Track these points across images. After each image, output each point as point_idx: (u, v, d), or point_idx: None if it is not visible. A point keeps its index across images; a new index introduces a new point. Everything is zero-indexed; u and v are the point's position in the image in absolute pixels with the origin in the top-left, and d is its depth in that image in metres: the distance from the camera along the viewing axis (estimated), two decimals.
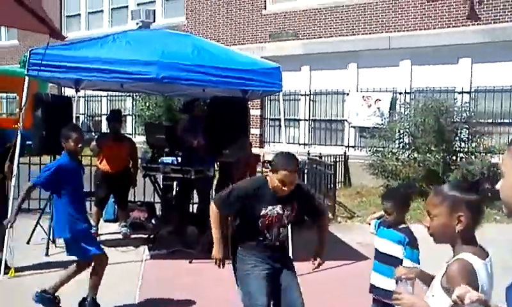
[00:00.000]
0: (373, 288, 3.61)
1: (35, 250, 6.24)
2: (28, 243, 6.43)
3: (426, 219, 2.12)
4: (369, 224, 3.91)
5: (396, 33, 13.04)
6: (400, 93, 13.09)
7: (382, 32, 13.30)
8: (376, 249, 3.64)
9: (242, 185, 3.59)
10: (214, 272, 5.76)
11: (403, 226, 3.55)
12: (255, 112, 14.75)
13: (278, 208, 3.41)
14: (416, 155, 10.81)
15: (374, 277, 3.60)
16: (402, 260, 3.38)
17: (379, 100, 13.32)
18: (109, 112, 7.63)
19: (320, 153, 12.53)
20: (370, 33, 13.54)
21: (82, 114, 21.06)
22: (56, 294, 4.37)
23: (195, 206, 7.55)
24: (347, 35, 14.00)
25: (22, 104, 5.68)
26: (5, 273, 5.27)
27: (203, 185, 7.21)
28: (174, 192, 7.41)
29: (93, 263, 4.36)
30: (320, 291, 5.34)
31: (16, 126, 5.53)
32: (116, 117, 7.20)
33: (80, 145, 4.33)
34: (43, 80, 7.57)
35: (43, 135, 6.13)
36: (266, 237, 3.44)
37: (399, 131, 11.34)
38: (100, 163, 6.96)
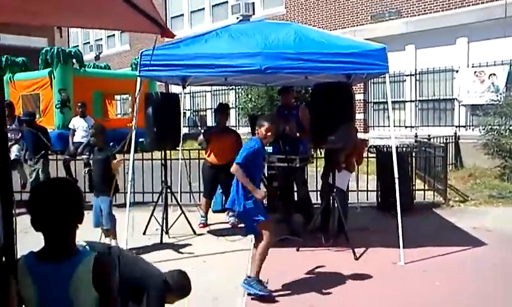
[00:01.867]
0: None
1: (150, 240, 6.61)
2: (144, 234, 6.83)
3: None
4: None
5: None
6: None
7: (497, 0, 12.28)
8: None
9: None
10: (321, 258, 5.79)
11: None
12: (358, 96, 14.41)
13: None
14: None
15: None
16: None
17: (494, 75, 12.36)
18: (216, 106, 7.85)
19: (429, 135, 11.95)
20: (481, 2, 12.57)
21: (188, 109, 22.00)
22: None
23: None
24: (455, 8, 13.13)
25: (135, 104, 6.03)
26: None
27: (301, 172, 7.20)
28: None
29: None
30: (435, 279, 5.11)
31: (129, 125, 5.88)
32: (221, 110, 7.40)
33: (270, 133, 4.77)
34: (153, 79, 7.99)
35: (155, 132, 6.45)
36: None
37: None
38: (208, 156, 7.20)
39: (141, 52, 5.95)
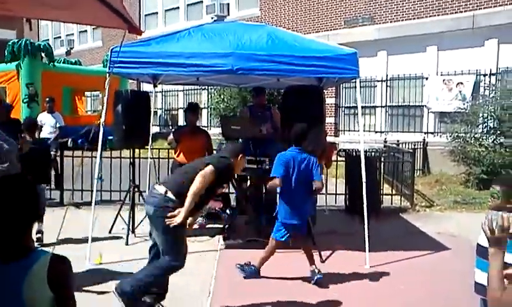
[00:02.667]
0: (477, 285, 3.17)
1: (116, 239, 6.52)
2: (110, 232, 6.73)
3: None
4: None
5: (481, 10, 12.27)
6: (484, 75, 12.35)
7: (465, 11, 12.58)
8: (478, 243, 3.26)
9: (228, 162, 4.25)
10: (289, 260, 5.81)
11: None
12: (329, 100, 14.55)
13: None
14: (502, 140, 10.19)
15: (477, 274, 3.17)
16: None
17: (461, 84, 12.67)
18: (186, 105, 7.80)
19: (398, 141, 12.17)
20: (451, 13, 12.86)
21: (160, 108, 21.80)
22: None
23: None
24: (425, 17, 13.39)
25: (104, 101, 5.94)
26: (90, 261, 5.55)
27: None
28: (248, 183, 7.46)
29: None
30: (399, 282, 5.18)
31: (98, 122, 5.78)
32: (191, 110, 7.35)
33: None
34: (123, 76, 7.88)
35: (124, 129, 6.36)
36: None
37: (482, 115, 10.73)
38: (178, 156, 7.14)
39: (111, 49, 5.85)
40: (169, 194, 3.89)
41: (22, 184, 1.88)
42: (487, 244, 3.03)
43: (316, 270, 5.10)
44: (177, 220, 3.75)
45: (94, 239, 5.71)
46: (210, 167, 3.89)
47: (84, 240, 5.63)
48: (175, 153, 7.25)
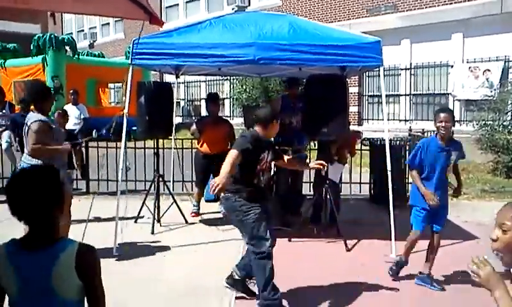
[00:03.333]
0: None
1: (142, 228, 6.60)
2: (136, 222, 6.81)
3: (494, 231, 1.91)
4: None
5: None
6: None
7: None
8: None
9: (252, 133, 4.22)
10: (313, 249, 5.80)
11: None
12: (353, 89, 14.40)
13: (266, 153, 4.23)
14: None
15: None
16: None
17: (488, 71, 12.39)
18: (206, 96, 7.80)
19: (423, 129, 11.96)
20: None
21: (183, 99, 21.92)
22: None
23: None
24: (451, 3, 13.12)
25: (127, 92, 5.98)
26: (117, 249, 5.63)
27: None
28: (272, 172, 7.46)
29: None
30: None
31: (121, 113, 5.82)
32: (212, 100, 7.36)
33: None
34: (145, 67, 7.93)
35: (147, 120, 6.41)
36: (260, 179, 4.22)
37: (511, 102, 10.47)
38: (201, 146, 7.17)
39: (133, 40, 5.88)
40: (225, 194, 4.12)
41: (46, 174, 1.91)
42: None
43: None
44: (217, 181, 3.83)
45: (120, 228, 5.78)
46: (231, 152, 4.02)
47: (111, 229, 5.69)
48: (198, 143, 7.29)
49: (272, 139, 6.05)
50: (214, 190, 3.78)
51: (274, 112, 4.38)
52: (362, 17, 15.26)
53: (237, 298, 4.45)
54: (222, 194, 4.11)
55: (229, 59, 5.80)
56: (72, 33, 27.61)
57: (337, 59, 5.80)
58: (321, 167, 4.66)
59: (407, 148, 9.01)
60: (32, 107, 5.04)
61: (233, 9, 17.99)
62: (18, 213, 1.83)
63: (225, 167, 3.90)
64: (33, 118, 4.83)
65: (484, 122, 10.58)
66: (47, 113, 5.03)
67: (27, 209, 1.83)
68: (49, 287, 1.81)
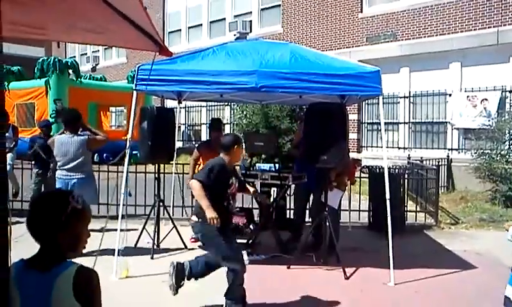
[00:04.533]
0: (508, 301, 3.24)
1: (142, 254, 6.60)
2: (135, 246, 6.83)
3: None
4: (507, 230, 3.55)
5: (505, 27, 12.18)
6: (510, 91, 12.23)
7: (490, 27, 12.49)
8: None
9: (216, 162, 4.52)
10: (312, 277, 5.81)
11: None
12: (352, 116, 14.53)
13: (233, 179, 4.63)
14: None
15: (508, 290, 3.24)
16: None
17: (486, 100, 12.54)
18: (209, 122, 7.89)
19: (422, 157, 12.06)
20: (475, 29, 12.78)
21: (183, 124, 22.05)
22: None
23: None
24: (449, 33, 13.34)
25: (131, 117, 6.07)
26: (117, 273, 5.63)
27: (299, 190, 7.27)
28: (272, 199, 7.50)
29: None
30: (424, 301, 5.13)
31: (124, 137, 5.90)
32: (215, 125, 7.44)
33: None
34: (149, 93, 8.03)
35: (149, 145, 6.48)
36: (230, 203, 4.55)
37: (509, 131, 10.58)
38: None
39: (138, 66, 5.99)
40: (195, 218, 4.54)
41: (55, 199, 1.98)
42: None
43: None
44: (210, 217, 4.25)
45: (120, 253, 5.80)
46: (193, 184, 4.38)
47: (111, 253, 5.71)
48: (198, 167, 7.31)
49: (273, 166, 6.28)
50: (215, 223, 4.22)
51: (236, 139, 4.70)
52: (362, 45, 15.48)
53: None
54: (194, 219, 4.49)
55: (231, 87, 5.91)
56: (75, 56, 27.89)
57: (337, 87, 5.90)
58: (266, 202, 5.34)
59: (406, 176, 9.08)
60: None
61: (234, 35, 18.24)
62: (30, 232, 1.92)
63: (203, 202, 4.28)
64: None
65: (482, 151, 10.66)
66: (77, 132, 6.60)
67: (33, 229, 1.92)
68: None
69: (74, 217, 1.93)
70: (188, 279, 4.68)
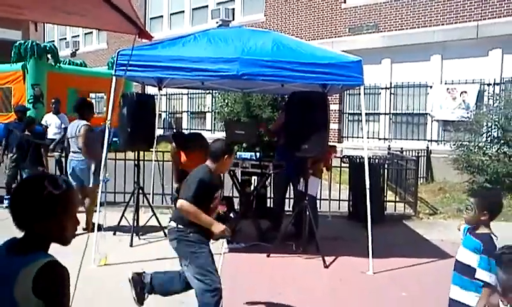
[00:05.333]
0: (452, 302, 3.24)
1: (120, 241, 6.55)
2: (114, 234, 6.77)
3: None
4: (459, 229, 3.56)
5: (485, 21, 12.31)
6: (488, 85, 12.39)
7: (470, 21, 12.61)
8: (456, 259, 3.29)
9: (203, 176, 3.88)
10: (291, 265, 5.84)
11: (483, 231, 3.12)
12: (333, 106, 14.58)
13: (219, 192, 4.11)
14: (506, 149, 10.20)
15: (453, 290, 3.24)
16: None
17: (465, 93, 12.69)
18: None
19: (402, 148, 12.19)
20: (456, 22, 12.89)
21: (164, 111, 21.86)
22: None
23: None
24: (430, 26, 13.43)
25: (110, 103, 5.97)
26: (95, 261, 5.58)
27: (279, 179, 7.28)
28: (252, 187, 7.50)
29: None
30: (401, 289, 5.20)
31: (103, 123, 5.81)
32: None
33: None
34: (129, 79, 7.93)
35: (129, 132, 6.40)
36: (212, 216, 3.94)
37: (486, 124, 10.75)
38: (182, 161, 7.16)
39: (118, 51, 5.89)
40: (173, 224, 3.90)
41: (27, 184, 1.91)
42: (468, 261, 3.08)
43: None
44: (218, 231, 3.80)
45: (98, 240, 5.74)
46: (185, 205, 3.73)
47: (90, 240, 5.64)
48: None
49: (254, 155, 6.11)
50: (231, 234, 4.02)
51: (227, 148, 4.08)
52: (344, 36, 15.50)
53: None
54: (172, 225, 3.89)
55: (212, 74, 5.85)
56: (53, 41, 27.35)
57: (319, 76, 5.90)
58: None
59: (386, 166, 9.16)
60: None
61: (217, 23, 18.09)
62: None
63: (204, 220, 3.76)
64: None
65: (460, 143, 10.81)
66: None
67: (13, 217, 1.83)
68: (12, 298, 1.75)
69: (52, 202, 1.81)
70: (150, 293, 4.17)
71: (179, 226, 3.83)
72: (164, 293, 4.22)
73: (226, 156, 4.02)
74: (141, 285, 4.15)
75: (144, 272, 4.23)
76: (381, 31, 14.60)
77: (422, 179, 11.72)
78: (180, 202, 3.73)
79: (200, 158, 4.70)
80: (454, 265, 3.25)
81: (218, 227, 3.78)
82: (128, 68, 5.79)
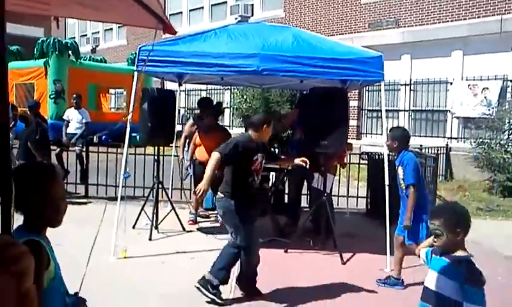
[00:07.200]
0: None
1: (139, 234, 6.63)
2: (134, 227, 6.85)
3: None
4: (418, 256, 3.06)
5: (509, 15, 12.10)
6: (511, 81, 12.17)
7: (493, 15, 12.41)
8: (425, 286, 2.86)
9: (241, 139, 4.66)
10: (309, 261, 5.84)
11: (460, 254, 2.70)
12: (352, 103, 14.51)
13: (259, 155, 4.57)
14: None
15: None
16: (459, 303, 2.52)
17: (487, 89, 12.50)
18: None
19: (421, 145, 12.06)
20: (477, 17, 12.70)
21: (183, 107, 21.97)
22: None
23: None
24: (451, 21, 13.26)
25: (132, 98, 6.04)
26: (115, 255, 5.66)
27: (294, 175, 7.26)
28: (270, 183, 7.52)
29: None
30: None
31: (124, 119, 5.86)
32: (203, 106, 7.33)
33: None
34: (150, 75, 7.99)
35: (149, 127, 6.45)
36: (255, 180, 4.54)
37: (509, 121, 10.57)
38: (198, 154, 7.19)
39: (140, 47, 5.96)
40: (220, 195, 4.51)
41: (31, 170, 1.99)
42: (433, 286, 2.74)
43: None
44: (200, 187, 4.30)
45: (118, 233, 5.82)
46: (213, 154, 4.41)
47: (109, 234, 5.73)
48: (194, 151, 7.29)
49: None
50: (199, 194, 4.29)
51: (266, 118, 4.78)
52: (364, 31, 15.40)
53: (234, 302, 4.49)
54: (218, 195, 4.48)
55: (233, 69, 5.88)
56: (74, 37, 27.70)
57: (339, 72, 5.89)
58: (304, 164, 4.94)
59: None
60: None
61: (236, 19, 18.11)
62: None
63: (208, 172, 4.31)
64: None
65: (481, 140, 10.66)
66: None
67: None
68: None
69: (39, 188, 1.92)
70: (221, 283, 4.56)
71: (223, 195, 4.44)
72: (228, 270, 4.61)
73: (265, 125, 4.61)
74: (208, 283, 4.50)
75: (204, 275, 4.57)
76: (401, 27, 14.46)
77: (441, 177, 11.60)
78: (214, 152, 4.39)
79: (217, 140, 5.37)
80: (422, 293, 2.87)
81: (203, 183, 4.30)
82: (151, 63, 5.85)
